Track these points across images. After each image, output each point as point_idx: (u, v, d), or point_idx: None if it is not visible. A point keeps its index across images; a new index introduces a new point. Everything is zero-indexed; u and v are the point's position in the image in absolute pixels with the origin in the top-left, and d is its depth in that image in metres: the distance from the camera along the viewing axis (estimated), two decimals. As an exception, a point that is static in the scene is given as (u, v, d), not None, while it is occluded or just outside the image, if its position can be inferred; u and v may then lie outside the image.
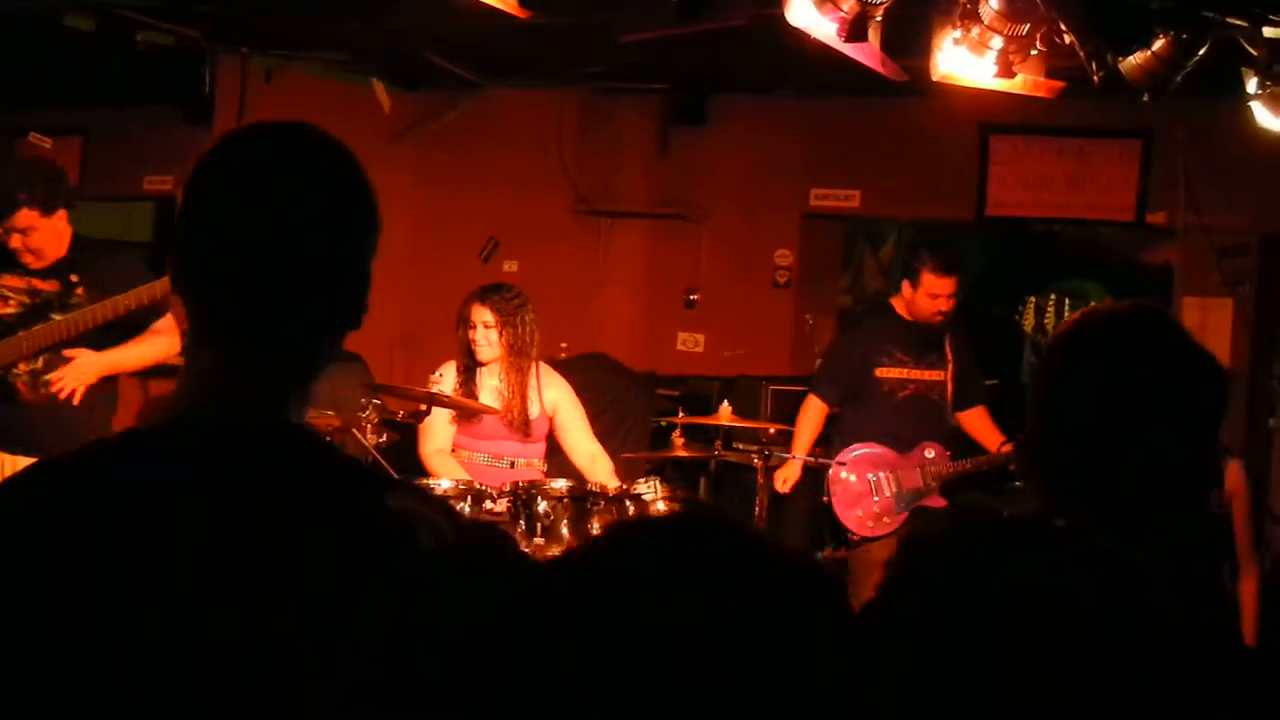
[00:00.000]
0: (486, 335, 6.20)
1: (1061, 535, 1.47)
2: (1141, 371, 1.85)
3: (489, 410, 6.18)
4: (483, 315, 6.21)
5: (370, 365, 8.55)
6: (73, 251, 5.51)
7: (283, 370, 1.68)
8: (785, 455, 6.81)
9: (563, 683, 1.02)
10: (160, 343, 5.56)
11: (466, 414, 6.21)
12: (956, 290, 6.59)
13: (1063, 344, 1.93)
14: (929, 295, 6.55)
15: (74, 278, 5.43)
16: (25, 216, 5.32)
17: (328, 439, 1.83)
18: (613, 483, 6.04)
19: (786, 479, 6.82)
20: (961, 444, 6.87)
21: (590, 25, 6.77)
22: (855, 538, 6.76)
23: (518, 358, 6.25)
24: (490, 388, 6.28)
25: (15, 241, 5.36)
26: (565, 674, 1.02)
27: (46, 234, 5.41)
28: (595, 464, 6.36)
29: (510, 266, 9.63)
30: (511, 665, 1.04)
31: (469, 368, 6.26)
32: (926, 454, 6.75)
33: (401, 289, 9.78)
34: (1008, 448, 6.62)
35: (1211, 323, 8.21)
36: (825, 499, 6.83)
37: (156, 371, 7.38)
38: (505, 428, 6.26)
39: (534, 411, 6.30)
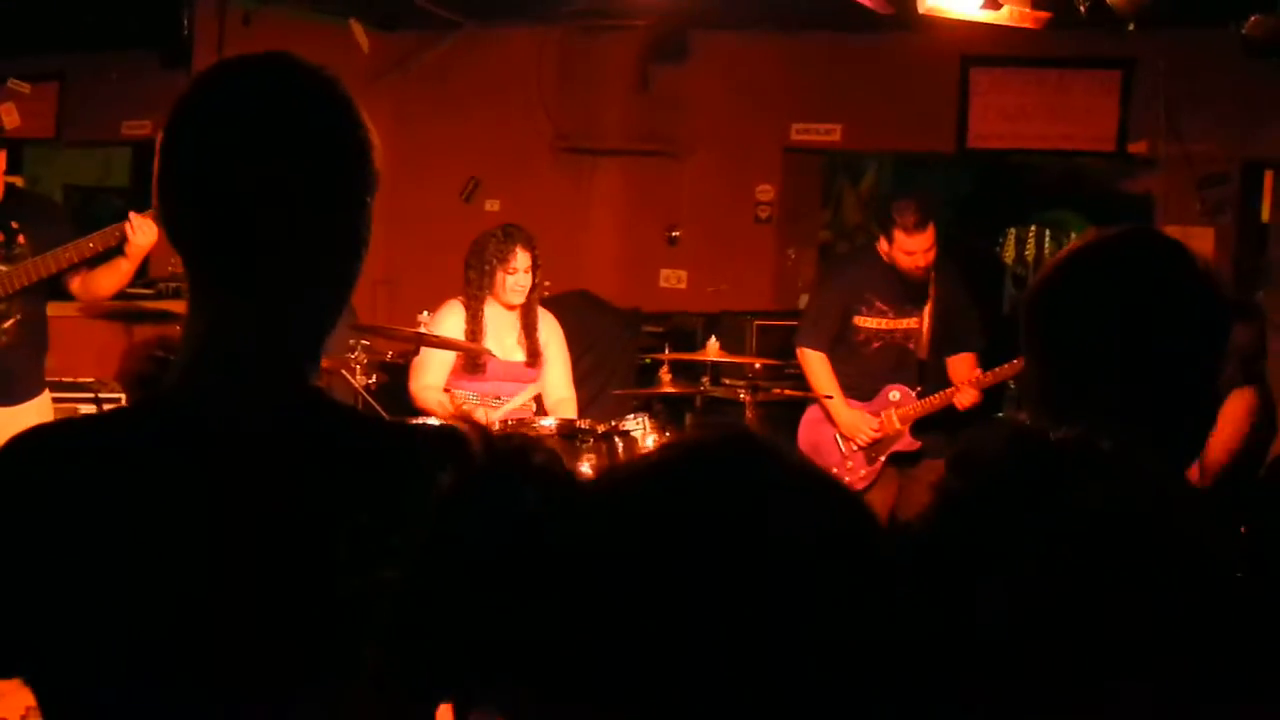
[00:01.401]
0: (524, 279, 6.20)
1: (1110, 457, 1.46)
2: (1158, 290, 1.82)
3: (482, 350, 6.18)
4: (525, 260, 6.19)
5: (354, 306, 8.55)
6: (7, 201, 5.47)
7: (295, 319, 1.62)
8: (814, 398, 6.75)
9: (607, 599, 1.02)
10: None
11: (474, 362, 6.21)
12: (934, 242, 6.43)
13: (1069, 268, 1.89)
14: (905, 253, 6.40)
15: (14, 225, 5.41)
16: None
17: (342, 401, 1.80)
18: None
19: (856, 426, 6.67)
20: (939, 386, 6.75)
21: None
22: None
23: (533, 300, 6.29)
24: (497, 330, 6.28)
25: None
26: (605, 589, 1.02)
27: None
28: (561, 407, 6.40)
29: (492, 206, 9.61)
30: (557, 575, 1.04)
31: (478, 308, 6.23)
32: (891, 397, 6.66)
33: (383, 230, 9.65)
34: (965, 385, 6.53)
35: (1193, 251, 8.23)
36: None
37: (139, 316, 7.38)
38: (524, 370, 6.29)
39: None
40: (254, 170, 1.55)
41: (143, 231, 5.28)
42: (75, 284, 5.54)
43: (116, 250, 5.37)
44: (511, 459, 1.10)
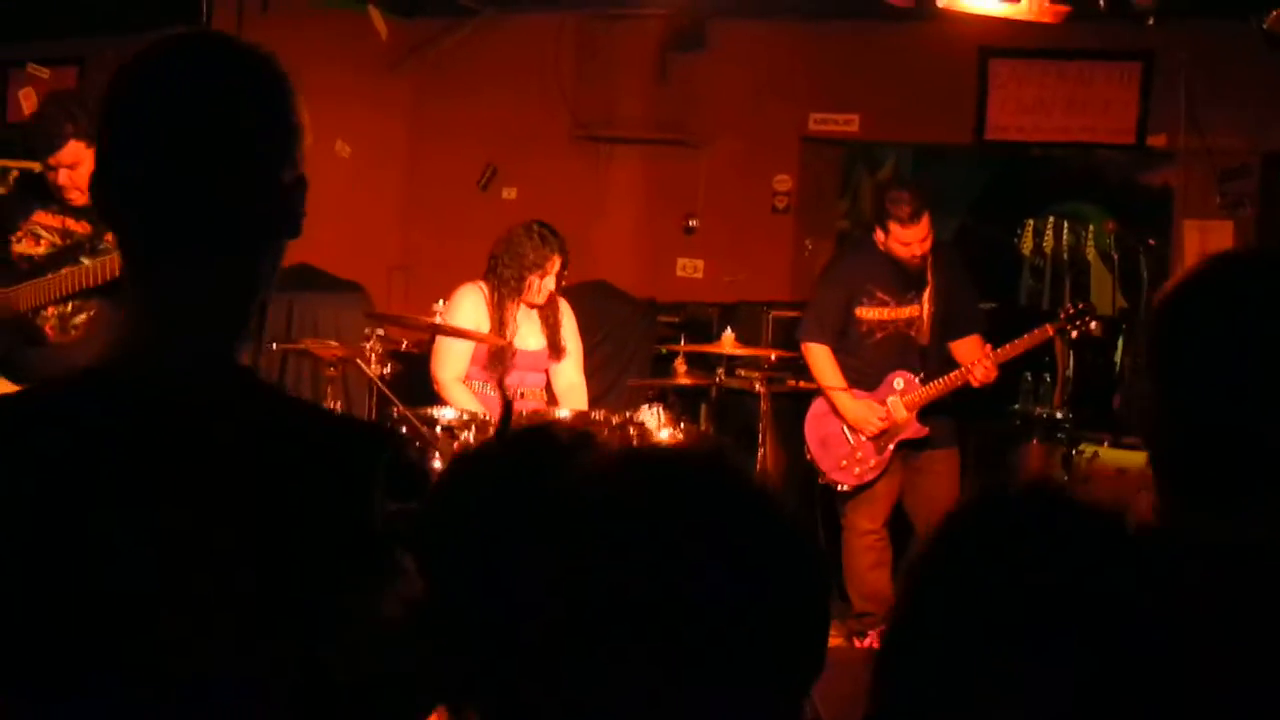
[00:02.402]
0: (553, 282, 6.24)
1: (1139, 543, 1.33)
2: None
3: (500, 341, 6.19)
4: (557, 264, 6.23)
5: (369, 293, 8.56)
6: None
7: (224, 291, 1.64)
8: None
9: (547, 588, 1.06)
10: None
11: (500, 358, 6.22)
12: (929, 232, 6.46)
13: (1193, 293, 1.64)
14: (900, 244, 6.43)
15: None
16: (73, 150, 5.17)
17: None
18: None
19: (864, 417, 6.66)
20: (946, 370, 6.70)
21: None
22: (846, 489, 6.75)
23: (559, 295, 6.33)
24: (523, 322, 6.29)
25: (62, 178, 5.22)
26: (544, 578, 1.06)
27: (89, 170, 5.31)
28: (571, 392, 6.42)
29: (509, 194, 9.61)
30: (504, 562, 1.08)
31: (503, 301, 6.24)
32: (895, 384, 6.67)
33: (400, 217, 9.78)
34: (979, 360, 6.53)
35: (1212, 245, 8.19)
36: (807, 455, 6.80)
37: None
38: (540, 358, 6.31)
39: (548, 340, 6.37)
40: (173, 147, 1.60)
41: None
42: None
43: None
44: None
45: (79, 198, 5.32)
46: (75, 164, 5.22)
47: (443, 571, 1.11)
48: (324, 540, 1.52)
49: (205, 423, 1.59)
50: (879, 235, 6.55)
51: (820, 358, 6.69)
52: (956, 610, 1.28)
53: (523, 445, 1.16)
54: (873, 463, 6.69)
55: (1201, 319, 1.60)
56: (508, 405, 1.14)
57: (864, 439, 6.66)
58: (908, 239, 6.41)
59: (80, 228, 5.37)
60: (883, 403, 6.65)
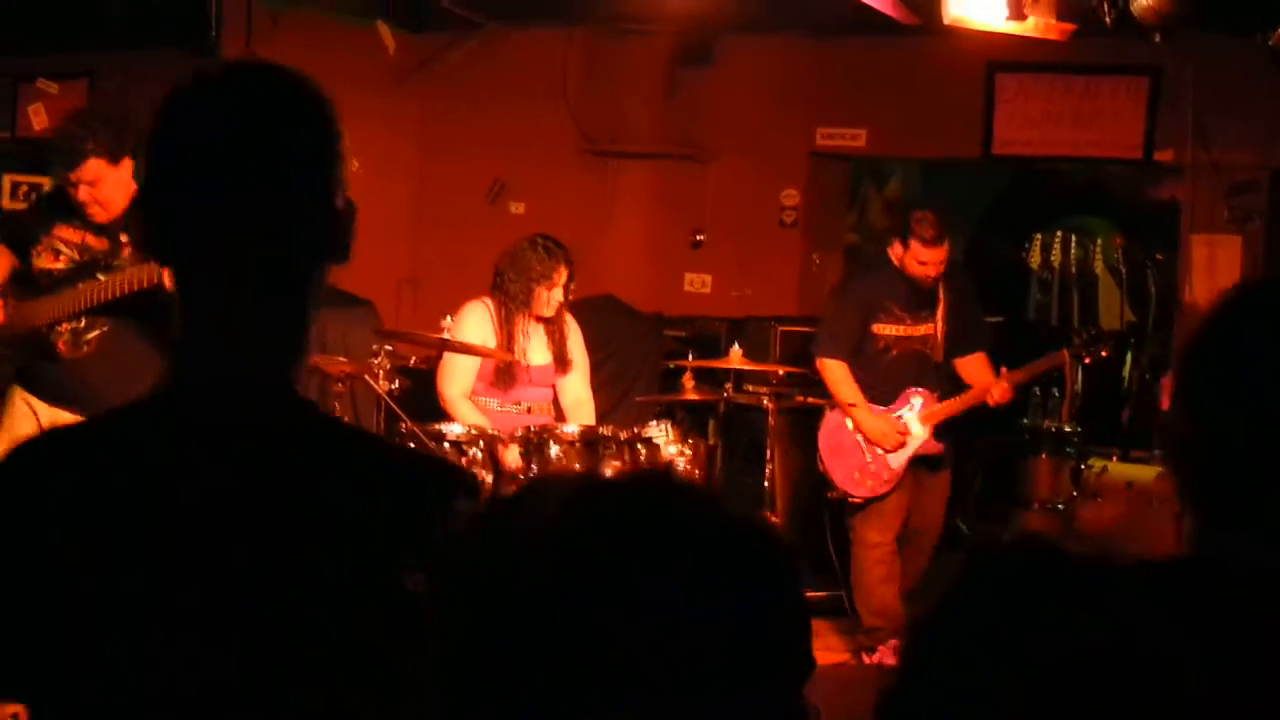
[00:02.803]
0: (560, 294, 6.24)
1: (1131, 590, 1.30)
2: None
3: (506, 356, 6.19)
4: (563, 276, 6.23)
5: (377, 308, 8.57)
6: (132, 208, 5.42)
7: (277, 318, 1.64)
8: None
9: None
10: None
11: (508, 374, 6.23)
12: (947, 256, 6.59)
13: (1231, 317, 1.60)
14: (918, 262, 6.54)
15: (124, 237, 5.37)
16: (93, 167, 5.19)
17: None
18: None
19: (884, 432, 6.72)
20: (955, 388, 6.87)
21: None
22: (859, 500, 6.77)
23: (563, 306, 6.33)
24: (529, 337, 6.29)
25: (83, 194, 5.24)
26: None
27: (114, 185, 5.27)
28: (579, 407, 6.42)
29: (517, 208, 9.61)
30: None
31: (511, 316, 6.24)
32: (912, 401, 6.75)
33: (408, 231, 9.79)
34: (999, 380, 6.67)
35: (1220, 260, 8.20)
36: (821, 467, 6.82)
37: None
38: (546, 373, 6.31)
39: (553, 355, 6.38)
40: (224, 175, 1.59)
41: None
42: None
43: None
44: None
45: (100, 213, 5.34)
46: (96, 180, 5.25)
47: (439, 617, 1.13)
48: (381, 584, 1.51)
49: (265, 454, 1.58)
50: (895, 251, 6.64)
51: (837, 373, 6.72)
52: (954, 688, 1.27)
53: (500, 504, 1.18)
54: (886, 476, 6.72)
55: (1239, 343, 1.57)
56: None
57: (879, 453, 6.68)
58: (926, 259, 6.51)
59: (99, 243, 5.38)
60: (899, 419, 6.70)
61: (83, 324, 5.38)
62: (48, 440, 1.68)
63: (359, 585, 1.51)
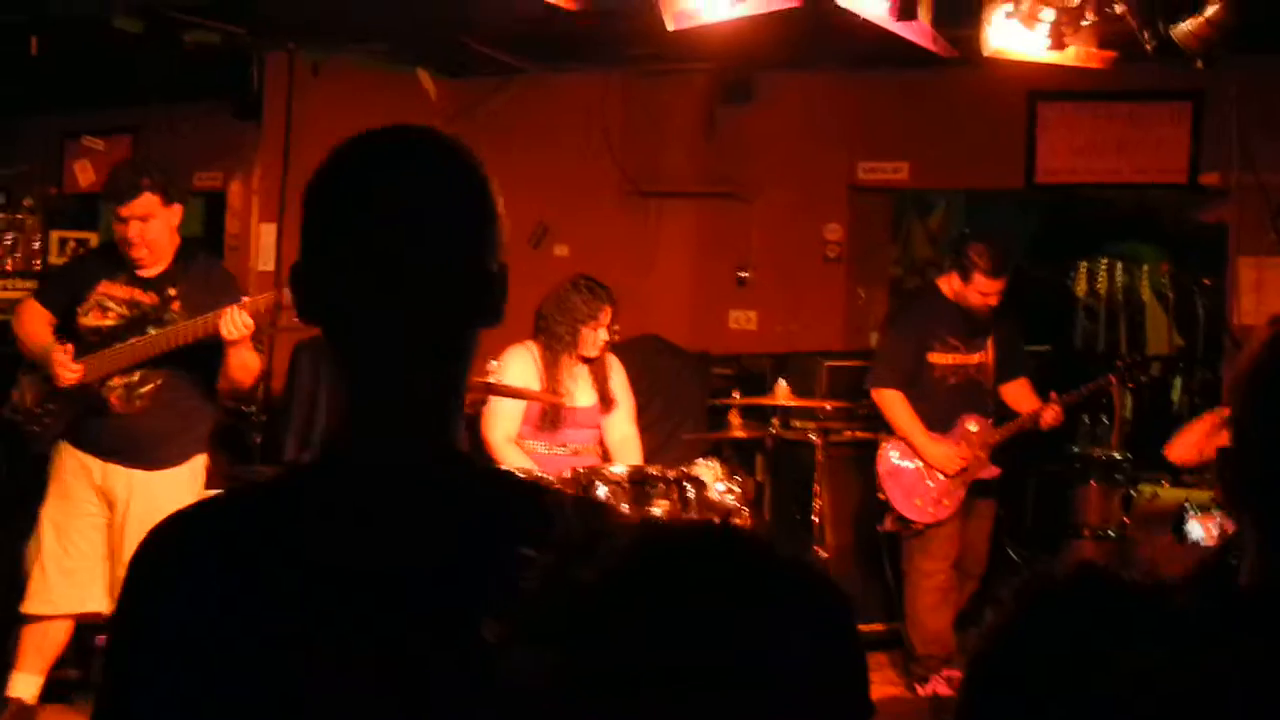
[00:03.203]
0: (605, 334, 6.28)
1: (1185, 619, 1.30)
2: None
3: (553, 399, 6.20)
4: (608, 316, 6.27)
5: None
6: (177, 262, 5.49)
7: (440, 385, 1.63)
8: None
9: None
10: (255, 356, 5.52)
11: (554, 417, 6.24)
12: (1005, 287, 6.68)
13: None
14: (980, 293, 6.64)
15: (172, 291, 5.42)
16: (146, 201, 5.31)
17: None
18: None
19: (946, 457, 6.76)
20: (1000, 414, 6.95)
21: (636, 9, 6.76)
22: (919, 527, 6.77)
23: (608, 350, 6.36)
24: (574, 379, 6.31)
25: (132, 231, 5.32)
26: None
27: (162, 226, 5.38)
28: (625, 445, 6.43)
29: (561, 251, 9.64)
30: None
31: (557, 359, 6.27)
32: (969, 427, 6.81)
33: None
34: (1051, 403, 6.81)
35: (1268, 281, 8.14)
36: (881, 495, 6.82)
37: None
38: (591, 414, 6.33)
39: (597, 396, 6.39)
40: (400, 231, 1.58)
41: (230, 326, 5.15)
42: (220, 367, 5.43)
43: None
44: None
45: (147, 257, 5.40)
46: (148, 216, 5.33)
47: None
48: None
49: (451, 521, 1.56)
50: (950, 282, 6.75)
51: (895, 403, 6.76)
52: (1010, 710, 1.27)
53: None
54: (946, 502, 6.77)
55: None
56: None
57: (940, 478, 6.71)
58: (988, 290, 6.62)
59: (148, 298, 5.43)
60: (958, 444, 6.75)
61: (136, 378, 5.42)
62: (200, 518, 1.61)
63: None
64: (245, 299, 5.24)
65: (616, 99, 9.58)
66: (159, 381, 5.44)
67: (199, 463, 5.67)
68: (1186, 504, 6.72)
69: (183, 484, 5.52)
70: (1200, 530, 7.08)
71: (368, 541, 1.54)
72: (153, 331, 5.36)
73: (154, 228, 5.37)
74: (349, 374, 1.63)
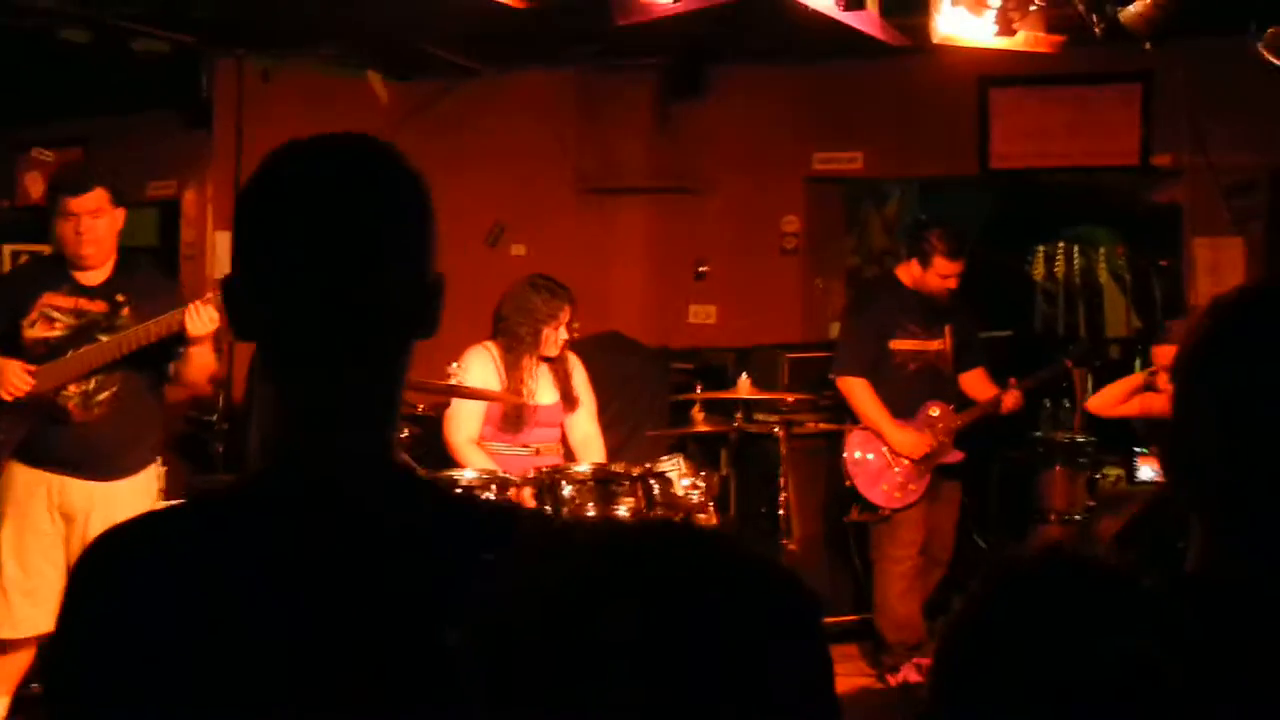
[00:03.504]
0: (565, 333, 6.26)
1: (1159, 606, 1.29)
2: None
3: (515, 399, 6.18)
4: (568, 315, 6.25)
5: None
6: (121, 270, 5.44)
7: (376, 393, 1.61)
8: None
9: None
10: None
11: (516, 417, 6.22)
12: (963, 269, 6.75)
13: (1214, 326, 1.53)
14: (940, 276, 6.71)
15: (120, 298, 5.38)
16: (98, 196, 5.26)
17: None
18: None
19: (912, 443, 6.79)
20: (964, 404, 7.01)
21: (584, 6, 6.75)
22: (886, 512, 6.80)
23: (568, 348, 6.34)
24: (535, 379, 6.29)
25: (83, 225, 5.25)
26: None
27: (109, 226, 5.32)
28: (587, 444, 6.42)
29: (518, 250, 9.62)
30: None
31: (518, 358, 6.24)
32: (931, 413, 6.86)
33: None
34: (1011, 389, 6.88)
35: (1223, 262, 8.19)
36: (847, 483, 6.85)
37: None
38: (554, 413, 6.31)
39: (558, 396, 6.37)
40: (319, 245, 1.55)
41: (196, 321, 5.16)
42: (171, 371, 5.43)
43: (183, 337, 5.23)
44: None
45: (92, 256, 5.35)
46: (97, 211, 5.29)
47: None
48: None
49: (379, 530, 1.55)
50: (909, 270, 6.82)
51: (860, 390, 6.81)
52: (985, 707, 1.27)
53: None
54: (912, 487, 6.82)
55: (1254, 347, 1.50)
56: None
57: (906, 464, 6.76)
58: (948, 271, 6.70)
59: (96, 306, 5.38)
60: (922, 430, 6.80)
61: (92, 385, 5.38)
62: (140, 529, 1.60)
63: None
64: (209, 294, 5.20)
65: (569, 97, 9.57)
66: (115, 388, 5.39)
67: (154, 470, 5.64)
68: (1135, 449, 6.90)
69: (141, 492, 5.48)
70: (1150, 471, 7.20)
71: (305, 553, 1.52)
72: (104, 339, 5.31)
73: (102, 225, 5.31)
74: (282, 387, 1.61)
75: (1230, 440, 1.47)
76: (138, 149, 9.67)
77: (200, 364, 5.37)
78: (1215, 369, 1.50)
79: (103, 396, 5.40)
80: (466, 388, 6.07)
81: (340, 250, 1.56)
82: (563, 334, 6.26)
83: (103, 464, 5.44)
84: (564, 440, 6.46)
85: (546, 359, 6.30)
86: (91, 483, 5.41)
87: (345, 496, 1.57)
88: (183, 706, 1.47)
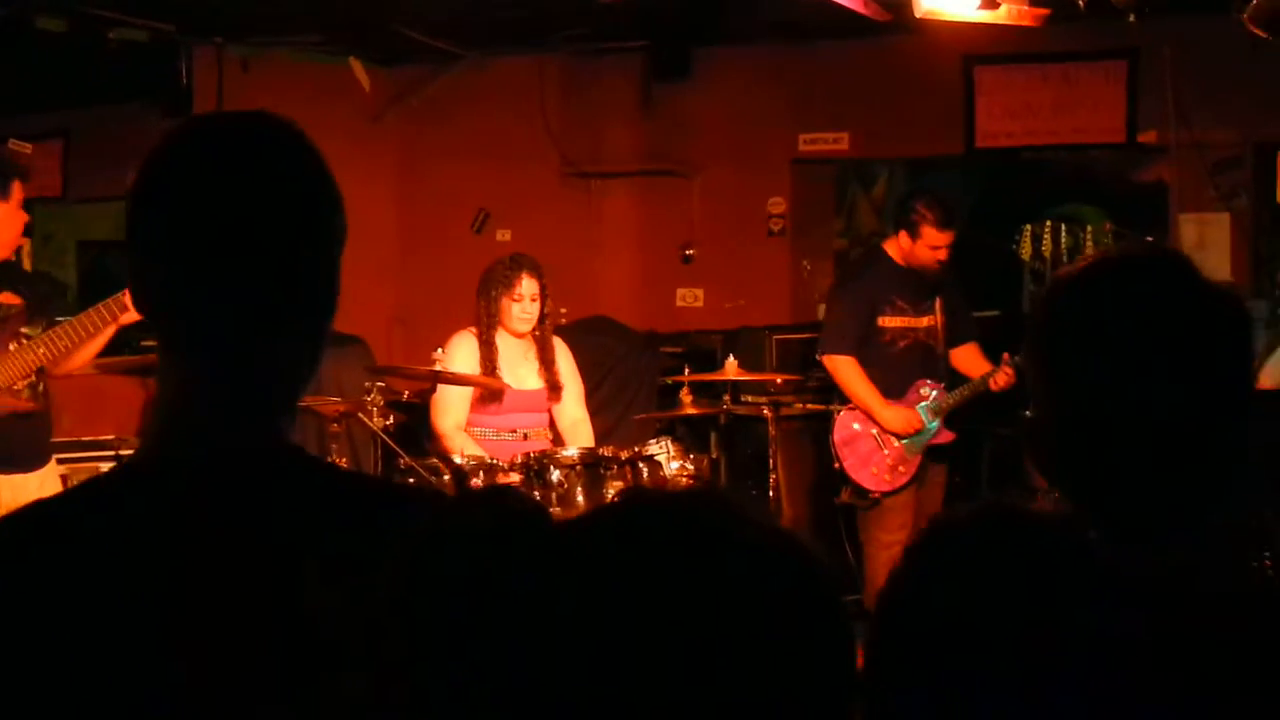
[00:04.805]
0: (531, 307, 6.20)
1: (1096, 557, 1.29)
2: (1155, 325, 1.52)
3: (500, 385, 6.16)
4: (531, 288, 6.21)
5: (369, 346, 8.53)
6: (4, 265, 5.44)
7: (269, 376, 1.60)
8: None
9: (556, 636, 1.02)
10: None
11: (490, 393, 6.21)
12: (954, 240, 6.64)
13: (1056, 304, 1.59)
14: (929, 247, 6.59)
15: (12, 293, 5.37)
16: (19, 188, 5.26)
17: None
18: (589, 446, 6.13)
19: (903, 420, 6.71)
20: (956, 381, 6.91)
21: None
22: (876, 495, 6.74)
23: (547, 328, 6.29)
24: (511, 359, 6.27)
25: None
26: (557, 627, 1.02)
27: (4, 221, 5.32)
28: (576, 429, 6.40)
29: (503, 236, 9.58)
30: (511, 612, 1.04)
31: (490, 338, 6.23)
32: (923, 391, 6.78)
33: (395, 268, 9.75)
34: (1003, 366, 6.71)
35: (1209, 238, 8.18)
36: (836, 465, 6.79)
37: (156, 369, 7.35)
38: (539, 398, 6.29)
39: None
40: (211, 226, 1.54)
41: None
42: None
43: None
44: (481, 504, 1.10)
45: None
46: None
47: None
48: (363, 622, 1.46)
49: (265, 509, 1.54)
50: (898, 243, 6.70)
51: (847, 369, 6.71)
52: (917, 656, 1.26)
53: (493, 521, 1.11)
54: (902, 469, 6.74)
55: (1069, 325, 1.57)
56: (459, 476, 1.11)
57: (896, 444, 6.69)
58: (939, 242, 6.57)
59: (7, 299, 5.36)
60: (913, 409, 6.72)
61: (34, 376, 5.36)
62: (29, 517, 1.58)
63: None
64: None
65: (553, 81, 9.53)
66: (44, 383, 5.42)
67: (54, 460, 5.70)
68: None
69: (54, 478, 5.53)
70: None
71: (193, 536, 1.51)
72: (27, 331, 5.28)
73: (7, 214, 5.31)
74: (168, 369, 1.60)
75: (1066, 414, 1.54)
76: (116, 140, 9.59)
77: (99, 347, 5.42)
78: (1052, 345, 1.56)
79: (41, 388, 5.40)
80: (447, 373, 6.04)
81: (221, 234, 1.54)
82: (527, 309, 6.20)
83: (29, 455, 5.46)
84: (552, 425, 6.44)
85: (515, 334, 6.25)
86: (10, 475, 5.39)
87: (222, 482, 1.54)
88: (51, 703, 1.46)
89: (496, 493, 1.10)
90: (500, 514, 1.07)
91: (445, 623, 1.03)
